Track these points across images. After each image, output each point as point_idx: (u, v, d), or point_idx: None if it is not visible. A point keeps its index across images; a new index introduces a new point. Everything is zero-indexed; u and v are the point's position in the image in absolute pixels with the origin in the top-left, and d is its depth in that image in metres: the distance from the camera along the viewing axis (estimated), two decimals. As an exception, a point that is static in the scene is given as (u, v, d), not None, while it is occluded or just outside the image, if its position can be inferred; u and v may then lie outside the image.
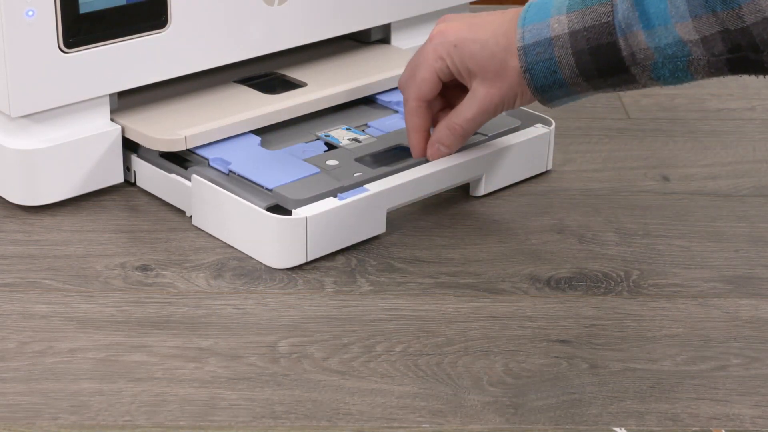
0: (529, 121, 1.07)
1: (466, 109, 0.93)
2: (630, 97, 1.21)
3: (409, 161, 0.98)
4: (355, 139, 1.03)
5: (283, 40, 1.07)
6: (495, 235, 0.97)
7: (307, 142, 1.02)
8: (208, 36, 1.01)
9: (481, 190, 1.02)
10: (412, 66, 0.95)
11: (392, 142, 1.02)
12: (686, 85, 0.87)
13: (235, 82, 1.08)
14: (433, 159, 0.97)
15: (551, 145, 1.06)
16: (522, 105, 0.93)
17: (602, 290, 0.91)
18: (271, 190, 0.94)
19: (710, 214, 1.01)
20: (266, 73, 1.10)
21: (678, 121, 1.17)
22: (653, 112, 1.19)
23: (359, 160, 0.99)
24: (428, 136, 0.97)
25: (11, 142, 0.97)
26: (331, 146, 1.02)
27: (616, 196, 1.04)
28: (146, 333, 0.85)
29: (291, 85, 1.08)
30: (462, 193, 1.03)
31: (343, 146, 1.02)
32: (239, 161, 0.97)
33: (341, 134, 1.04)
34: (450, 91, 0.96)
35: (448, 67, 0.92)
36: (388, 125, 1.05)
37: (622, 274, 0.93)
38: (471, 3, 1.21)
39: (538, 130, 1.05)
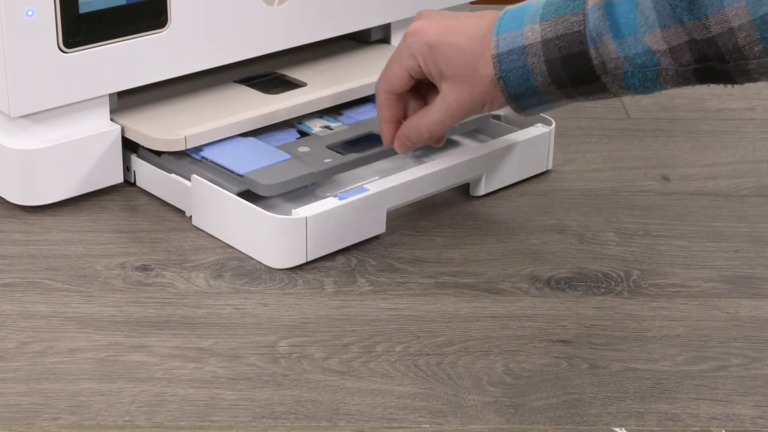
0: (529, 121, 1.07)
1: (434, 112, 0.93)
2: (630, 96, 1.21)
3: (380, 149, 0.99)
4: (327, 127, 1.03)
5: (283, 40, 1.07)
6: (495, 235, 0.97)
7: (280, 130, 1.03)
8: (208, 36, 1.01)
9: (481, 190, 1.02)
10: (392, 57, 0.95)
11: (364, 130, 1.03)
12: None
13: (235, 82, 1.08)
14: (401, 152, 0.97)
15: (551, 145, 1.06)
16: (490, 111, 0.93)
17: (602, 290, 0.91)
18: (242, 176, 0.95)
19: (710, 214, 1.01)
20: (266, 73, 1.10)
21: (678, 121, 1.17)
22: (653, 112, 1.19)
23: (330, 147, 1.00)
24: (398, 126, 0.97)
25: (11, 142, 0.97)
26: (303, 134, 1.03)
27: (616, 196, 1.04)
28: (146, 333, 0.85)
29: (291, 85, 1.08)
30: (462, 193, 1.03)
31: (315, 133, 1.02)
32: (212, 147, 0.98)
33: (314, 122, 1.04)
34: (424, 87, 0.96)
35: (419, 66, 0.92)
36: (360, 113, 1.05)
37: (622, 274, 0.93)
38: (471, 2, 1.21)
39: (538, 130, 1.05)
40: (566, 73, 0.86)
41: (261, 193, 0.94)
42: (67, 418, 0.76)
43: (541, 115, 1.07)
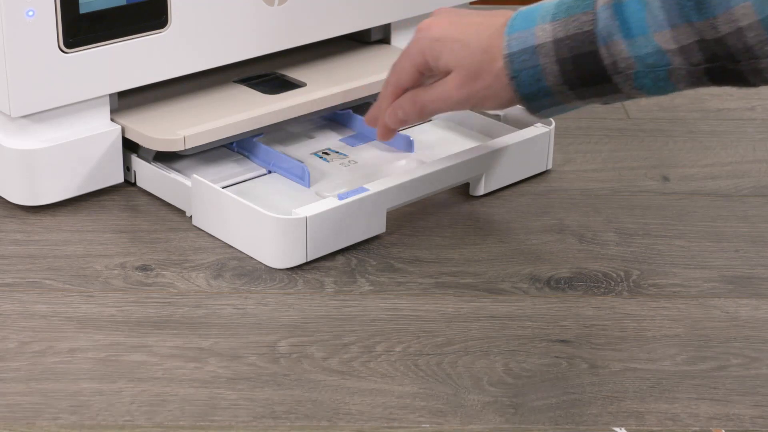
0: (529, 120, 1.07)
1: (432, 91, 0.93)
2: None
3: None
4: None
5: (283, 40, 1.07)
6: (495, 235, 0.97)
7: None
8: (208, 36, 1.01)
9: (481, 190, 1.02)
10: (403, 51, 0.96)
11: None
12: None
13: (235, 82, 1.08)
14: (389, 122, 0.96)
15: (551, 145, 1.06)
16: (491, 109, 0.93)
17: (602, 290, 0.91)
18: None
19: (710, 214, 1.01)
20: (266, 73, 1.10)
21: (678, 121, 1.17)
22: (653, 112, 1.19)
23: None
24: None
25: (11, 142, 0.97)
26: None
27: (616, 196, 1.04)
28: (146, 333, 0.85)
29: (291, 85, 1.08)
30: (462, 193, 1.03)
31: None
32: None
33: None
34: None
35: (427, 61, 0.93)
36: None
37: (622, 274, 0.93)
38: (471, 3, 1.21)
39: (538, 129, 1.05)
40: (577, 74, 0.85)
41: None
42: (67, 418, 0.76)
43: (541, 115, 1.07)
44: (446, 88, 0.92)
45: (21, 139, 0.97)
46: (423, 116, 0.95)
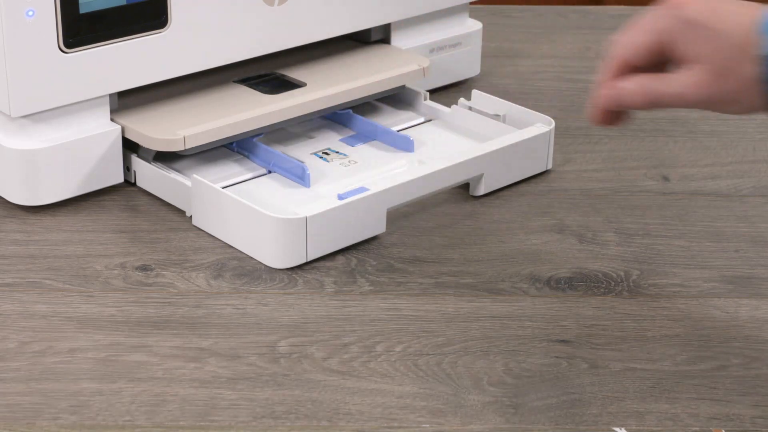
0: (529, 120, 1.07)
1: (668, 84, 0.81)
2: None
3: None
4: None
5: (283, 40, 1.07)
6: (495, 235, 0.97)
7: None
8: (208, 36, 1.01)
9: (481, 190, 1.02)
10: (637, 23, 0.83)
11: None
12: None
13: (235, 82, 1.08)
14: (608, 102, 0.84)
15: (551, 145, 1.06)
16: (732, 113, 0.82)
17: (602, 290, 0.91)
18: None
19: (710, 214, 1.01)
20: (266, 73, 1.10)
21: (678, 121, 1.17)
22: (653, 112, 1.19)
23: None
24: None
25: (11, 142, 0.97)
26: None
27: (616, 196, 1.04)
28: (146, 333, 0.85)
29: (291, 85, 1.08)
30: (462, 193, 1.03)
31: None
32: None
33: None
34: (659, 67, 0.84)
35: (667, 41, 0.80)
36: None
37: (622, 274, 0.93)
38: (471, 3, 1.21)
39: (538, 129, 1.05)
40: None
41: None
42: (67, 418, 0.76)
43: (541, 114, 1.06)
44: (685, 85, 0.80)
45: (21, 139, 0.97)
46: (651, 108, 0.83)
